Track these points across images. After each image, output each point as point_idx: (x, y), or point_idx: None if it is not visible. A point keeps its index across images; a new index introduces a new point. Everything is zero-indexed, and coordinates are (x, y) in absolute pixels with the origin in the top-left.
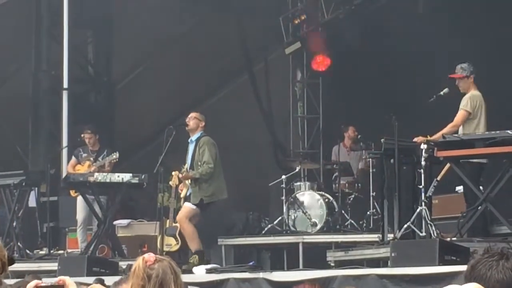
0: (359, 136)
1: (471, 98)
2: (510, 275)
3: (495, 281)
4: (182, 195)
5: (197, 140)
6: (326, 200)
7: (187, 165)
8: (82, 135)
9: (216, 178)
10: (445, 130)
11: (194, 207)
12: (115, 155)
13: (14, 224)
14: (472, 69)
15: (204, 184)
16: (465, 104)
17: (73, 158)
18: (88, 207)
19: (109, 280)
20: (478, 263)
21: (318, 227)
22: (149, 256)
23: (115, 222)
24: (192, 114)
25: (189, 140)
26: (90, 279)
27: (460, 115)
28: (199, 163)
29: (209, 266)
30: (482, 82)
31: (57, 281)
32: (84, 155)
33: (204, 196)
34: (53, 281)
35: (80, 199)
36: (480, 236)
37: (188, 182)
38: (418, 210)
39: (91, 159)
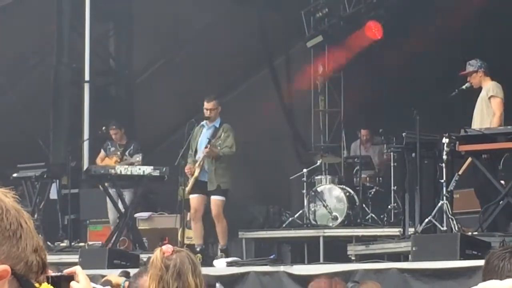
0: (380, 130)
1: (497, 86)
2: None
3: (507, 272)
4: (190, 184)
5: (220, 125)
6: (347, 193)
7: (193, 149)
8: (107, 130)
9: (231, 167)
10: (495, 124)
11: (221, 197)
12: (139, 158)
13: (35, 216)
14: (480, 64)
15: (220, 170)
16: (496, 92)
17: (102, 151)
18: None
19: (130, 272)
20: (492, 256)
21: (339, 220)
22: (167, 247)
23: (136, 215)
24: (210, 105)
25: (204, 125)
26: (111, 271)
27: (497, 103)
28: (218, 146)
29: (229, 259)
30: (497, 77)
31: (67, 272)
32: (112, 149)
33: (221, 182)
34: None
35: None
36: (502, 230)
37: (205, 164)
38: (439, 204)
39: (118, 153)
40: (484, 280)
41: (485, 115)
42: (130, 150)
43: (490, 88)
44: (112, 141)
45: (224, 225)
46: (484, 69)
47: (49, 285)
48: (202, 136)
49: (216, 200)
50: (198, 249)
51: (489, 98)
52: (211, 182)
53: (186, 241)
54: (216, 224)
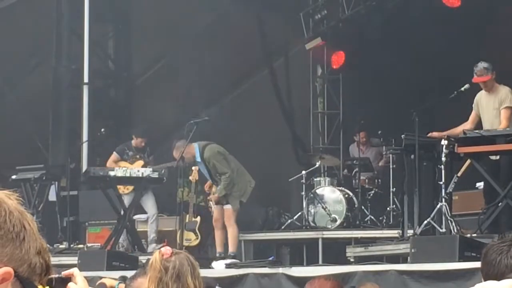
0: (379, 132)
1: (509, 94)
2: None
3: (503, 266)
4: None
5: (202, 158)
6: (346, 195)
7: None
8: (133, 139)
9: (239, 176)
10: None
11: (228, 206)
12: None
13: (34, 218)
14: (492, 66)
15: (234, 188)
16: (509, 100)
17: (115, 154)
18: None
19: (129, 274)
20: (489, 249)
21: (338, 222)
22: (166, 249)
23: (135, 217)
24: (175, 155)
25: (197, 162)
26: (109, 273)
27: (506, 114)
28: (218, 176)
29: (228, 261)
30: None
31: (65, 274)
32: (130, 153)
33: (241, 197)
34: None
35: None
36: (501, 232)
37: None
38: (438, 206)
39: (138, 156)
40: (482, 272)
41: (498, 122)
42: (147, 152)
43: (503, 98)
44: (129, 145)
45: (232, 232)
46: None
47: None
48: (204, 172)
49: (225, 209)
50: (217, 256)
51: (504, 107)
52: (233, 201)
53: (185, 243)
54: (227, 230)
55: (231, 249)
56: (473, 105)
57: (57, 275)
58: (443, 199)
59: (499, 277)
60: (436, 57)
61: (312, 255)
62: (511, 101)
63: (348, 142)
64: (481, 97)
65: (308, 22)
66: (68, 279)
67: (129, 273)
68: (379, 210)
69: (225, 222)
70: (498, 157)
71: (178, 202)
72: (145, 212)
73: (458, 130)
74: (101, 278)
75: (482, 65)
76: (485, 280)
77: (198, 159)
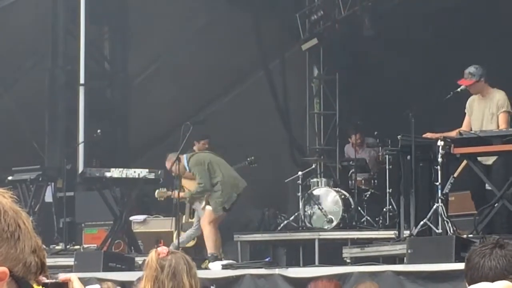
0: (375, 133)
1: (507, 99)
2: (503, 262)
3: (487, 269)
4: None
5: (188, 167)
6: (342, 196)
7: None
8: (195, 145)
9: (224, 183)
10: None
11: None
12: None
13: (31, 219)
14: (481, 72)
15: (216, 194)
16: (508, 107)
17: None
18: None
19: (125, 275)
20: (472, 254)
21: (334, 223)
22: (162, 249)
23: (131, 218)
24: (168, 166)
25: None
26: (106, 274)
27: (505, 118)
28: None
29: (225, 262)
30: (496, 79)
31: (62, 279)
32: None
33: (223, 204)
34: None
35: None
36: (497, 233)
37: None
38: (434, 207)
39: None
40: (466, 277)
41: (494, 127)
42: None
43: (501, 103)
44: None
45: (206, 233)
46: (485, 77)
47: None
48: None
49: (206, 209)
50: (209, 256)
51: (502, 112)
52: (216, 207)
53: (181, 244)
54: (203, 231)
55: (210, 250)
56: (466, 109)
57: (53, 280)
58: (440, 200)
59: (483, 280)
60: (433, 58)
61: (308, 256)
62: (509, 106)
63: (344, 143)
64: (474, 101)
65: (304, 23)
66: (65, 284)
67: (125, 274)
68: (375, 211)
69: (202, 225)
70: (490, 162)
71: (174, 203)
72: (141, 213)
73: (452, 133)
74: (98, 279)
75: (468, 69)
76: (469, 285)
77: (187, 169)
